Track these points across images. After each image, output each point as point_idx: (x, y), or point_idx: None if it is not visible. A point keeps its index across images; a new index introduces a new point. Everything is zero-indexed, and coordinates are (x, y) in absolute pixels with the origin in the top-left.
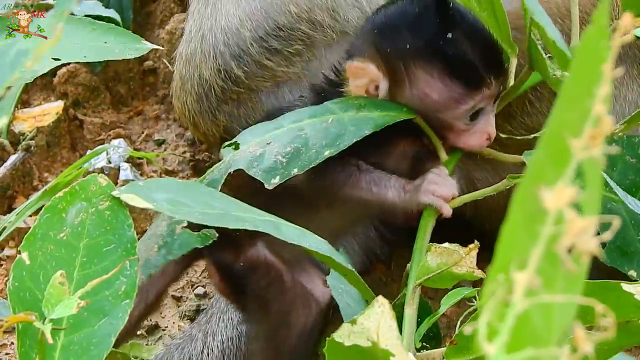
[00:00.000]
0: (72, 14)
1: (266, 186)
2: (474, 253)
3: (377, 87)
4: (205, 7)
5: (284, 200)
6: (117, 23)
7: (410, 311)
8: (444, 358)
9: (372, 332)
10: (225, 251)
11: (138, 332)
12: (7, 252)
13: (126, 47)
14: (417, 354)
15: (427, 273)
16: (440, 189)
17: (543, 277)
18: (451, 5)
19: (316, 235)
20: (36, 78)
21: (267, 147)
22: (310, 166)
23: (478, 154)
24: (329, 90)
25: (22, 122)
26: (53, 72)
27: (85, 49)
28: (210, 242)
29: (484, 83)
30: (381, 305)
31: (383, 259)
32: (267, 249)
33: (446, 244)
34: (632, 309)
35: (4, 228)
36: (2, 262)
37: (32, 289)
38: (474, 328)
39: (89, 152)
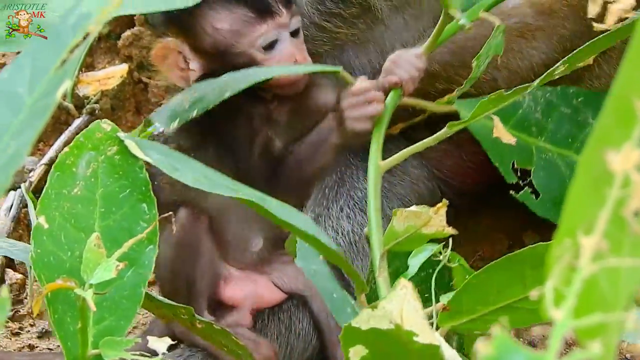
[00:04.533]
0: None
1: (165, 130)
2: (443, 211)
3: (185, 59)
4: None
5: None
6: None
7: (382, 278)
8: (430, 319)
9: (395, 315)
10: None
11: None
12: None
13: None
14: None
15: (395, 238)
16: (364, 109)
17: (610, 241)
18: None
19: (300, 213)
20: (101, 41)
21: (181, 96)
22: (210, 107)
23: (409, 107)
24: None
25: (86, 86)
26: (117, 35)
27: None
28: None
29: (270, 9)
30: (404, 287)
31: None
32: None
33: (413, 207)
34: None
35: None
36: None
37: (55, 252)
38: (540, 293)
39: None
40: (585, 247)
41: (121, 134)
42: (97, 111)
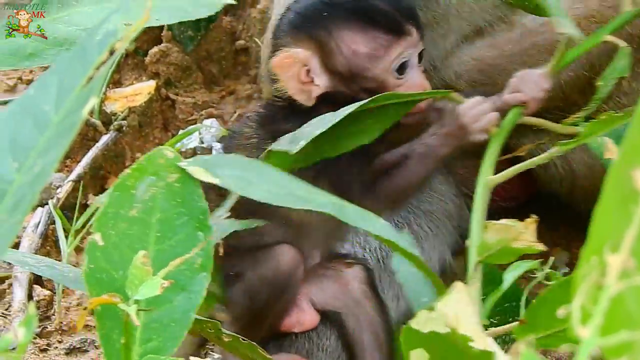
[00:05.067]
0: None
1: (290, 153)
2: (533, 227)
3: (308, 72)
4: None
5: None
6: None
7: (473, 290)
8: (510, 335)
9: (450, 319)
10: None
11: None
12: None
13: (198, 3)
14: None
15: (487, 250)
16: (481, 122)
17: (637, 259)
18: None
19: (380, 218)
20: (128, 58)
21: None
22: (330, 125)
23: (530, 125)
24: (275, 115)
25: (114, 102)
26: (145, 52)
27: (157, 11)
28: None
29: (404, 29)
30: (459, 291)
31: None
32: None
33: (504, 220)
34: None
35: (97, 209)
36: None
37: (108, 270)
38: (567, 311)
39: (181, 132)
40: (612, 265)
41: (183, 163)
42: (124, 128)
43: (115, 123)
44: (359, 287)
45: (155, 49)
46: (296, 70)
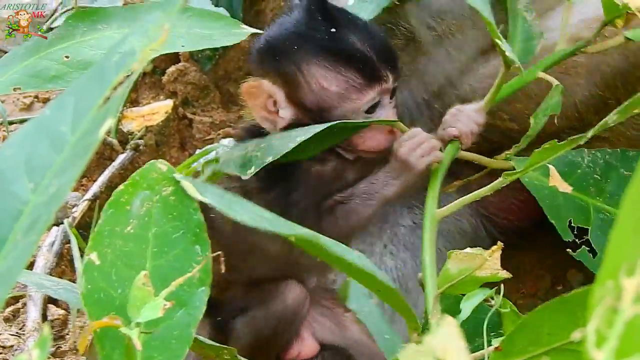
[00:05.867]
0: None
1: (242, 177)
2: (498, 254)
3: (275, 103)
4: None
5: None
6: None
7: (435, 321)
8: None
9: (439, 352)
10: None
11: None
12: None
13: (224, 32)
14: None
15: (449, 280)
16: (421, 149)
17: None
18: (332, 7)
19: (354, 250)
20: (145, 76)
21: (243, 150)
22: (284, 153)
23: (464, 159)
24: (250, 134)
25: (131, 121)
26: (162, 71)
27: (183, 37)
28: None
29: (379, 75)
30: (448, 324)
31: None
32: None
33: (468, 250)
34: None
35: None
36: None
37: (105, 289)
38: (583, 334)
39: (198, 151)
40: (627, 288)
41: (177, 175)
42: (141, 147)
43: (132, 142)
44: (359, 327)
45: (172, 68)
46: (263, 100)
